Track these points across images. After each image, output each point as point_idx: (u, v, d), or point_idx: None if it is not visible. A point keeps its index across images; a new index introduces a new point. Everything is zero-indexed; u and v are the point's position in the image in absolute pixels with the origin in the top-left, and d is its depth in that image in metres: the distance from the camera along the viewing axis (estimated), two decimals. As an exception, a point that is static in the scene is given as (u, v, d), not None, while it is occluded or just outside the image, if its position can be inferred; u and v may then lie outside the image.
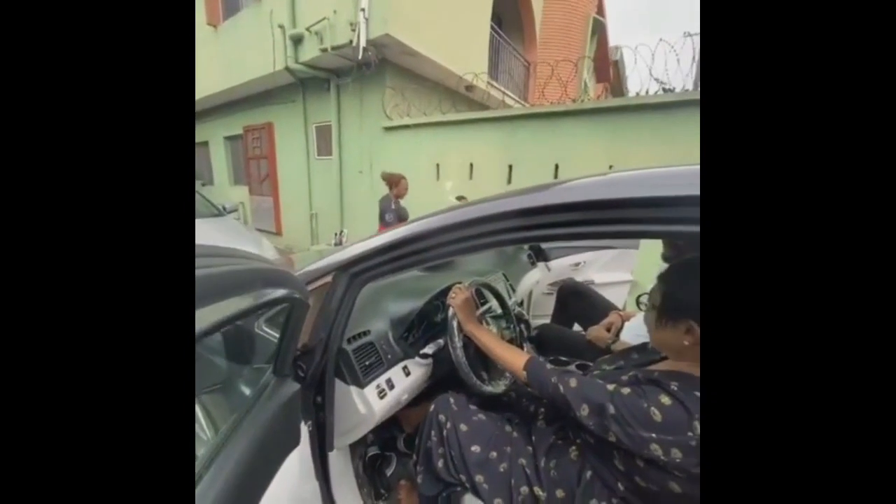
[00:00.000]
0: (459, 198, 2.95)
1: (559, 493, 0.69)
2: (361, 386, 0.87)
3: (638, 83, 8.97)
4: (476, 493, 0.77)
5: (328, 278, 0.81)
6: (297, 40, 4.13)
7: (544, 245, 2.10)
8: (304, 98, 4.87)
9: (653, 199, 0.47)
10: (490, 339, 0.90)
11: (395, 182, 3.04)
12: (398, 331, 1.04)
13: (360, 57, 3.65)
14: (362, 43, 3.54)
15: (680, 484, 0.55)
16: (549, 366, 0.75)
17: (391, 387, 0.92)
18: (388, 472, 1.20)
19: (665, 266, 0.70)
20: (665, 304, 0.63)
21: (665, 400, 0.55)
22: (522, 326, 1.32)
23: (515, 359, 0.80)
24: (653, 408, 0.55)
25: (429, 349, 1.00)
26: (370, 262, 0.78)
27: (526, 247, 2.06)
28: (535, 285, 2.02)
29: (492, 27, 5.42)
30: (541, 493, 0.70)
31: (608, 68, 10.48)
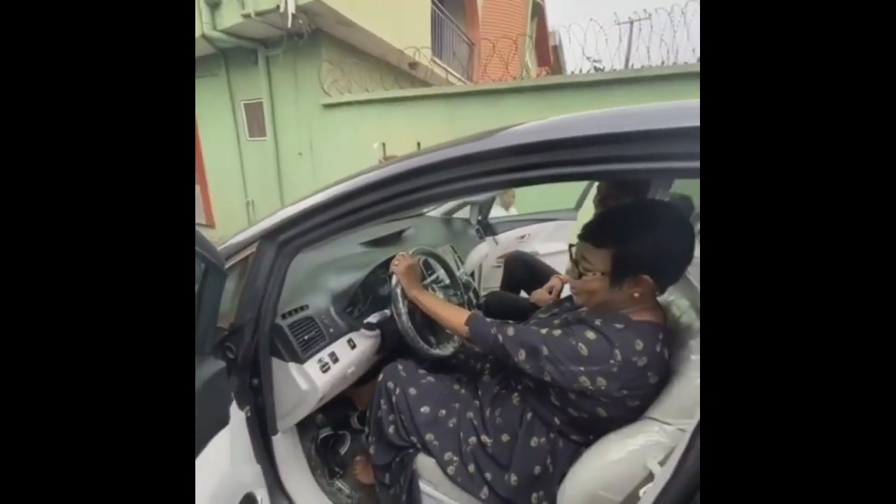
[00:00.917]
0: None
1: (504, 438, 0.72)
2: (301, 361, 0.82)
3: (574, 63, 9.37)
4: (427, 451, 0.77)
5: (253, 249, 0.74)
6: (215, 4, 3.65)
7: (491, 218, 2.14)
8: (227, 71, 4.37)
9: (593, 136, 0.47)
10: (433, 302, 0.90)
11: None
12: (341, 304, 0.99)
13: (289, 25, 3.34)
14: (291, 9, 3.23)
15: (605, 408, 0.60)
16: (489, 320, 0.76)
17: (335, 360, 0.88)
18: (343, 451, 1.17)
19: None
20: (617, 266, 0.60)
21: (590, 335, 0.59)
22: (471, 294, 1.34)
23: (458, 316, 0.80)
24: (580, 344, 0.59)
25: (373, 318, 0.97)
26: (300, 228, 0.71)
27: (474, 221, 2.09)
28: (485, 258, 2.06)
29: (433, 3, 5.26)
30: (487, 440, 0.73)
31: (548, 52, 10.81)
